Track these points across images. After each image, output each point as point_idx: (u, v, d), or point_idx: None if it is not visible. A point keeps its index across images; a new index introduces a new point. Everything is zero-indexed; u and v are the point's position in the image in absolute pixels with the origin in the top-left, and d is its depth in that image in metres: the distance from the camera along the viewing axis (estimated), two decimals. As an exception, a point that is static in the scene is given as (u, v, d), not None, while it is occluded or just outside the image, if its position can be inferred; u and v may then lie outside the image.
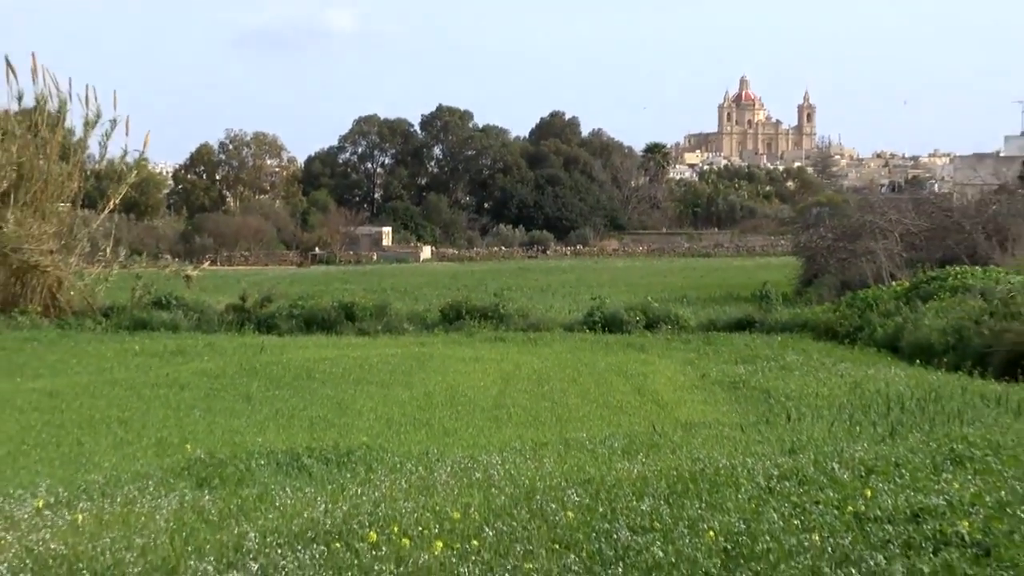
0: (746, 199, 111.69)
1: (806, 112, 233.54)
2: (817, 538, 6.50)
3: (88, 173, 35.12)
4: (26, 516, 7.99)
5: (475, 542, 6.59)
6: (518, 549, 6.49)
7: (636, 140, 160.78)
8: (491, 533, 6.85)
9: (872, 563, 6.03)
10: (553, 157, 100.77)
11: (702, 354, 23.74)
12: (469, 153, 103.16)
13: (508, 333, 27.97)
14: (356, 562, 6.20)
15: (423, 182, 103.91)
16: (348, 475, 10.29)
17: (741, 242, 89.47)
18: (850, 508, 7.33)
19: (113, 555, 6.64)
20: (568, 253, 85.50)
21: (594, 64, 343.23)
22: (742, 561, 6.19)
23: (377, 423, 14.74)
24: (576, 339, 26.91)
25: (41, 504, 8.36)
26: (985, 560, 6.09)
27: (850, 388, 16.99)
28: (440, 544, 6.30)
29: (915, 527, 6.83)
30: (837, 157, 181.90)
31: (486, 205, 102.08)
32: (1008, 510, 7.14)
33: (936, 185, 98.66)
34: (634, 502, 7.76)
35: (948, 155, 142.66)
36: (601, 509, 7.56)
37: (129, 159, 35.78)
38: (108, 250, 34.39)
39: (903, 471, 8.77)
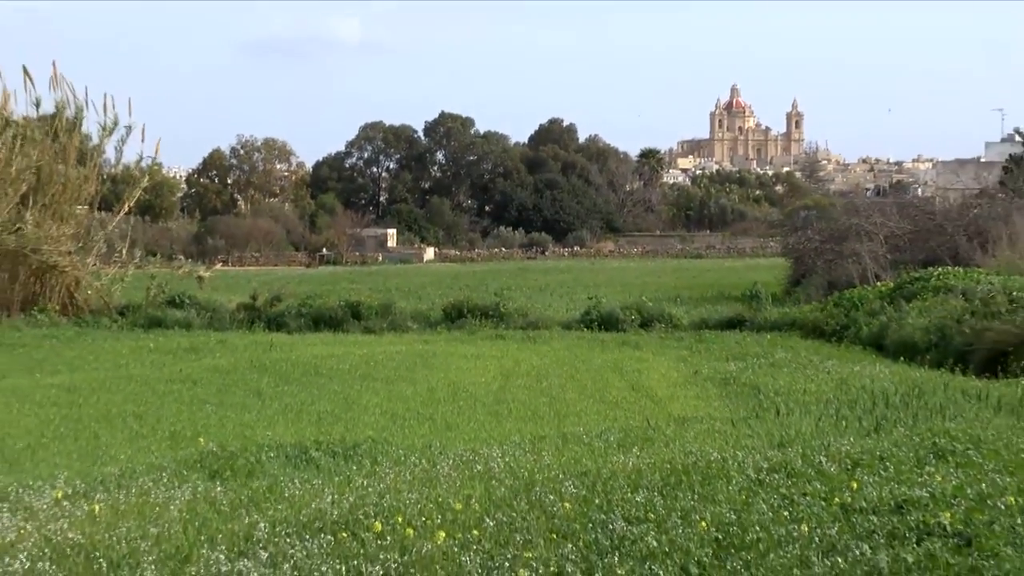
0: (737, 203, 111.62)
1: (794, 119, 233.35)
2: (805, 528, 6.50)
3: (105, 177, 35.18)
4: (45, 506, 7.99)
5: (476, 532, 6.59)
6: (517, 539, 6.49)
7: (631, 146, 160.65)
8: (491, 523, 6.84)
9: (858, 553, 6.03)
10: (551, 162, 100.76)
11: (694, 351, 23.74)
12: (471, 158, 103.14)
13: (508, 331, 27.96)
14: (362, 551, 6.20)
15: (426, 186, 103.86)
16: (354, 467, 10.28)
17: (732, 244, 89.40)
18: (837, 500, 7.33)
19: (128, 544, 6.64)
20: (566, 254, 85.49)
21: (591, 73, 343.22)
22: (733, 551, 6.19)
23: (382, 418, 14.73)
24: (573, 337, 26.91)
25: (59, 495, 8.37)
26: (966, 550, 6.10)
27: (837, 384, 16.97)
28: (443, 534, 6.29)
29: (899, 518, 6.83)
30: (824, 162, 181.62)
31: (487, 208, 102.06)
32: (988, 502, 7.14)
33: (919, 189, 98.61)
34: (629, 494, 7.76)
35: (931, 160, 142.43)
36: (597, 500, 7.56)
37: (144, 164, 35.88)
38: (124, 251, 34.43)
39: (888, 464, 8.77)
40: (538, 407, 15.69)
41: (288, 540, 6.57)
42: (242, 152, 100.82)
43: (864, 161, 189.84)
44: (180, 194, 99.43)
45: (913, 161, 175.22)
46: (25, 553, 6.36)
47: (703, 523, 6.65)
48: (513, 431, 13.29)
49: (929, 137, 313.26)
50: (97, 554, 6.40)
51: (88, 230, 33.59)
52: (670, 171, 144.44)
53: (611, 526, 6.74)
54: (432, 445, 11.75)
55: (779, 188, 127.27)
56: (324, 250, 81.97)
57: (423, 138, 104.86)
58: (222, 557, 6.18)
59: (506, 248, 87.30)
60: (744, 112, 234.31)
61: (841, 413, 13.60)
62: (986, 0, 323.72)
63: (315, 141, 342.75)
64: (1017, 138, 52.97)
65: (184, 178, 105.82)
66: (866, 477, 8.12)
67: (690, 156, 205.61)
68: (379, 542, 6.35)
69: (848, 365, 19.89)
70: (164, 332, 27.55)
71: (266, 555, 6.20)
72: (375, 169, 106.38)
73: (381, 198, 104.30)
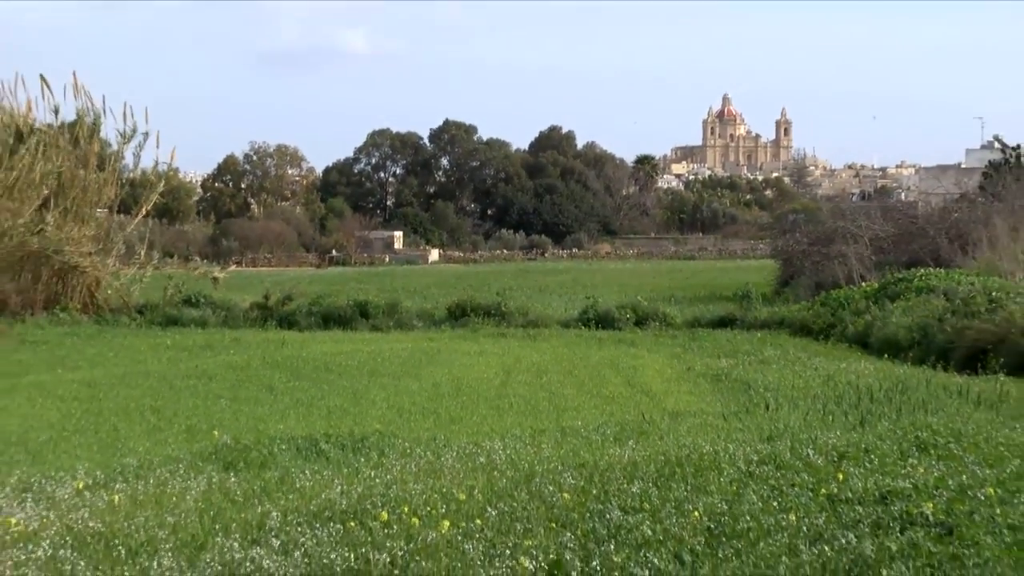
0: (728, 206, 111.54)
1: (783, 127, 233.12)
2: (793, 518, 6.50)
3: (124, 181, 35.14)
4: (66, 496, 7.99)
5: (479, 521, 6.58)
6: (518, 528, 6.49)
7: (627, 152, 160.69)
8: (493, 513, 6.84)
9: (844, 541, 6.02)
10: (551, 168, 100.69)
11: (687, 349, 23.72)
12: (474, 164, 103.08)
13: (509, 329, 27.93)
14: (369, 539, 6.19)
15: (431, 190, 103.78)
16: (362, 459, 10.26)
17: (723, 246, 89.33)
18: (824, 491, 7.33)
19: (146, 532, 6.64)
20: (564, 256, 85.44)
21: (589, 82, 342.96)
22: (724, 539, 6.19)
23: (389, 412, 14.71)
24: (572, 335, 26.89)
25: (80, 485, 8.36)
26: (948, 539, 6.09)
27: (824, 380, 16.96)
28: (447, 523, 6.29)
29: (883, 508, 6.83)
30: (812, 168, 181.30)
31: (489, 212, 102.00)
32: (969, 493, 7.14)
33: (903, 194, 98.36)
34: (625, 485, 7.76)
35: (914, 166, 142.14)
36: (595, 491, 7.55)
37: (161, 168, 35.92)
38: (142, 252, 34.42)
39: (872, 456, 8.76)
40: (538, 402, 15.68)
41: (299, 529, 6.56)
42: (255, 158, 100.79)
43: (850, 167, 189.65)
44: (196, 198, 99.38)
45: (897, 167, 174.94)
46: (48, 541, 6.36)
47: (696, 513, 6.64)
48: (514, 425, 13.28)
49: (912, 144, 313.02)
50: (116, 542, 6.40)
51: (108, 232, 33.56)
52: (664, 176, 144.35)
53: (608, 515, 6.74)
54: (436, 438, 11.75)
55: (768, 193, 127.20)
56: (333, 252, 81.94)
57: (428, 145, 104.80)
58: (236, 545, 6.17)
59: (507, 250, 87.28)
60: (735, 120, 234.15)
61: (828, 408, 13.60)
62: (967, 14, 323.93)
63: (325, 147, 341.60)
64: (996, 145, 52.85)
65: (200, 183, 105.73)
66: (852, 469, 8.12)
67: (683, 162, 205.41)
68: (386, 531, 6.34)
69: (835, 362, 19.88)
70: (181, 330, 27.54)
71: (278, 543, 6.20)
72: (382, 174, 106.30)
73: (388, 202, 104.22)
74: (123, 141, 33.50)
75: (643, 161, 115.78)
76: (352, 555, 5.80)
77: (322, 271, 69.08)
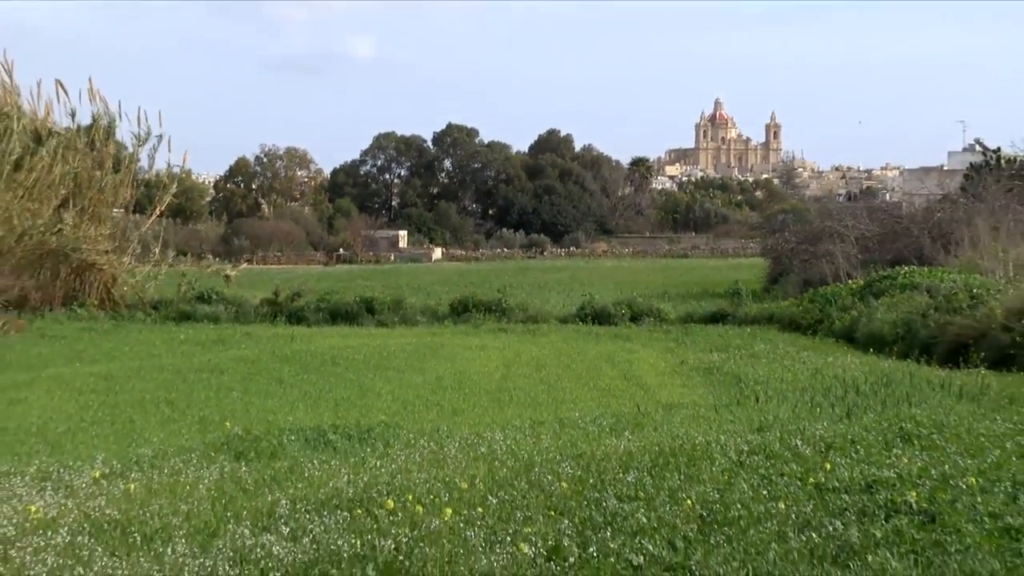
0: (720, 207, 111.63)
1: (773, 130, 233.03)
2: (782, 506, 6.50)
3: (139, 183, 35.13)
4: (84, 485, 7.99)
5: (480, 509, 6.58)
6: (518, 515, 6.48)
7: (623, 154, 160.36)
8: (494, 501, 6.84)
9: (831, 528, 6.03)
10: (549, 169, 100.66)
11: (681, 343, 23.70)
12: (475, 166, 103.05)
13: (510, 325, 27.92)
14: (375, 526, 6.19)
15: (435, 191, 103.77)
16: (368, 449, 10.25)
17: (715, 245, 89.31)
18: (811, 480, 7.33)
19: (161, 520, 6.64)
20: (562, 254, 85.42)
21: (586, 87, 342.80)
22: (716, 526, 6.19)
23: (394, 404, 14.70)
24: (570, 330, 26.87)
25: (98, 475, 8.36)
26: (931, 526, 6.09)
27: (811, 374, 16.96)
28: (449, 511, 6.28)
29: (869, 497, 6.82)
30: (800, 170, 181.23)
31: (490, 212, 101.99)
32: (951, 482, 7.14)
33: (887, 195, 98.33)
34: (621, 474, 7.75)
35: (898, 168, 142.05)
36: (592, 480, 7.55)
37: (174, 170, 35.90)
38: (157, 251, 34.38)
39: (858, 447, 8.76)
40: (537, 394, 15.67)
41: (307, 516, 6.56)
42: (265, 160, 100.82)
43: (837, 169, 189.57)
44: (208, 198, 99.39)
45: (881, 169, 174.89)
46: (66, 528, 6.37)
47: (689, 501, 6.64)
48: (514, 416, 13.27)
49: (896, 147, 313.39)
50: (132, 529, 6.40)
51: (124, 231, 33.56)
52: (658, 178, 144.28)
53: (604, 504, 6.74)
54: (440, 429, 11.73)
55: (759, 194, 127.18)
56: (340, 250, 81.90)
57: (432, 147, 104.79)
58: (247, 532, 6.18)
59: (508, 249, 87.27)
60: (727, 124, 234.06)
61: (815, 400, 13.60)
62: (950, 23, 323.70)
63: (332, 150, 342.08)
64: (977, 148, 52.81)
65: (212, 183, 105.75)
66: (838, 459, 8.12)
67: (677, 164, 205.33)
68: (391, 518, 6.34)
69: (822, 356, 19.87)
70: (194, 325, 27.53)
71: (287, 530, 6.20)
72: (388, 176, 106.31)
73: (393, 202, 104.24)
74: (138, 144, 33.49)
75: (638, 163, 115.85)
76: (358, 541, 5.80)
77: (330, 269, 69.06)
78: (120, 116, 33.18)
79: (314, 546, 5.79)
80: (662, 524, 6.19)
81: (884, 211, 45.76)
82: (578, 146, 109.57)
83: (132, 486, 7.84)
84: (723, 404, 13.86)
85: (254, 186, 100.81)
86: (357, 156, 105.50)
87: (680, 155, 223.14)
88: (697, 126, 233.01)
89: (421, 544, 5.74)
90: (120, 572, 5.43)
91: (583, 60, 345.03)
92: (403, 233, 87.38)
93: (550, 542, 5.80)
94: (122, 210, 33.67)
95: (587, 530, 6.13)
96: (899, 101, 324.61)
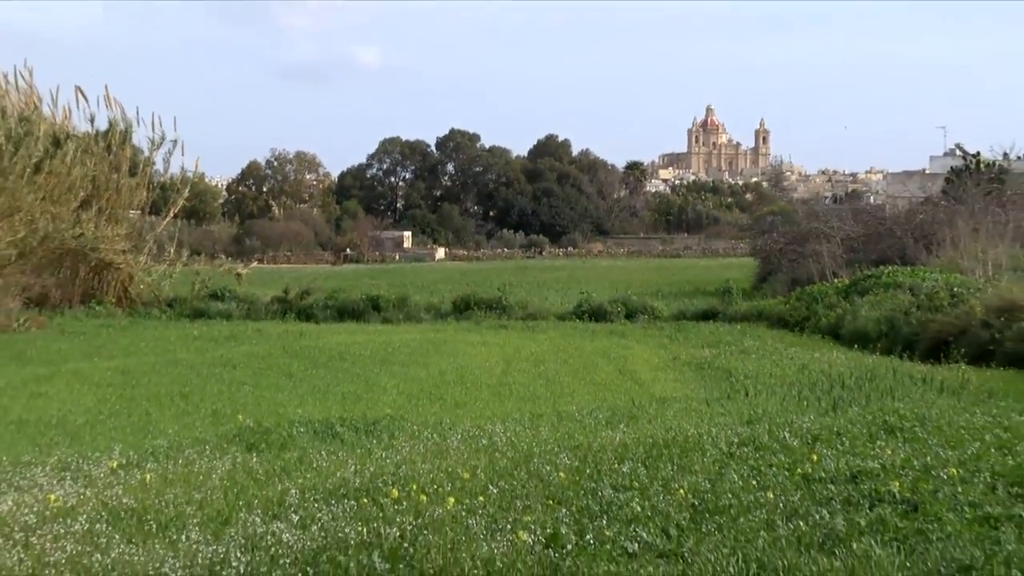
0: (711, 209, 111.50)
1: (762, 135, 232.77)
2: (771, 495, 6.50)
3: (154, 185, 35.12)
4: (102, 475, 8.00)
5: (482, 498, 6.58)
6: (518, 504, 6.49)
7: (618, 158, 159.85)
8: (495, 491, 6.84)
9: (817, 517, 6.03)
10: (548, 173, 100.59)
11: (674, 339, 23.69)
12: (477, 169, 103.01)
13: (510, 322, 27.91)
14: (381, 515, 6.19)
15: (438, 194, 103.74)
16: (374, 441, 10.26)
17: (707, 245, 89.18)
18: (799, 470, 7.33)
19: (175, 508, 6.64)
20: (561, 254, 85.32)
21: (583, 93, 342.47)
22: (707, 515, 6.19)
23: (399, 397, 14.69)
24: (567, 327, 26.85)
25: (115, 465, 8.37)
26: (913, 515, 6.09)
27: (799, 369, 16.95)
28: (452, 500, 6.29)
29: (854, 486, 6.83)
30: (788, 173, 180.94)
31: (491, 213, 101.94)
32: (933, 472, 7.14)
33: (872, 197, 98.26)
34: (616, 465, 7.76)
35: (882, 172, 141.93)
36: (588, 471, 7.55)
37: (189, 174, 35.94)
38: (172, 250, 34.37)
39: (844, 439, 8.76)
40: (536, 389, 15.67)
41: (316, 505, 6.57)
42: (276, 163, 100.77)
43: (823, 172, 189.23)
44: (221, 200, 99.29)
45: (866, 172, 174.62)
46: (84, 516, 6.37)
47: (681, 491, 6.64)
48: (514, 409, 13.27)
49: (880, 151, 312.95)
50: (148, 517, 6.41)
51: (140, 232, 33.55)
52: (652, 181, 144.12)
53: (600, 493, 6.74)
54: (443, 422, 11.74)
55: (748, 196, 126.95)
56: (348, 250, 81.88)
57: (435, 151, 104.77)
58: (258, 520, 6.18)
59: (508, 249, 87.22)
60: (718, 129, 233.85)
61: (803, 394, 13.60)
62: (932, 31, 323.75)
63: (340, 154, 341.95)
64: (958, 152, 52.75)
65: (225, 186, 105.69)
66: (825, 450, 8.12)
67: (670, 168, 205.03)
68: (396, 507, 6.34)
69: (809, 352, 19.87)
70: (207, 322, 27.52)
71: (297, 518, 6.21)
72: (393, 179, 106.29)
73: (398, 204, 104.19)
74: (153, 148, 33.55)
75: (633, 167, 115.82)
76: (365, 529, 5.80)
77: (337, 268, 69.04)
78: (136, 121, 33.27)
79: (322, 533, 5.80)
80: (656, 513, 6.20)
81: (868, 213, 45.80)
82: (575, 150, 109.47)
83: (148, 476, 7.85)
84: (714, 398, 13.86)
85: (265, 189, 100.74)
86: (364, 160, 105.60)
87: (673, 159, 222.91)
88: (689, 131, 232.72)
89: (425, 532, 5.74)
90: (136, 558, 5.43)
91: (580, 67, 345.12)
92: (407, 234, 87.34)
93: (548, 530, 5.80)
94: (138, 211, 33.64)
95: (584, 518, 6.13)
96: (883, 107, 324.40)
